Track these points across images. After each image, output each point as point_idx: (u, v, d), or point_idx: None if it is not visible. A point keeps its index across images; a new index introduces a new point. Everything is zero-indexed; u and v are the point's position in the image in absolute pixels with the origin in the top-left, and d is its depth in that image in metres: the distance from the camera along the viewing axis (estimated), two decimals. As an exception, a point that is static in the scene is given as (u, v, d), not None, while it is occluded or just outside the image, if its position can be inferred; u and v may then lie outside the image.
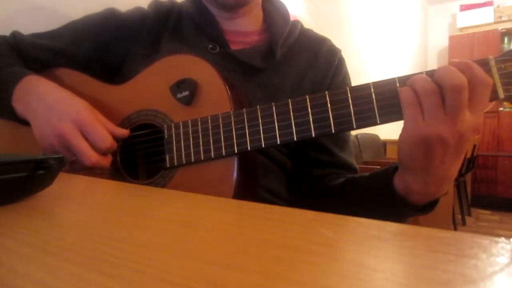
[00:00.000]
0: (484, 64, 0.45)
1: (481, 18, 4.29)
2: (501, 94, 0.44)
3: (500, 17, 4.20)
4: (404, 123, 0.45)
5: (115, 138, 0.56)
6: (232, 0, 0.65)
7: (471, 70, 0.42)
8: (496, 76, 0.45)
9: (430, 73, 0.45)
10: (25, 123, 0.57)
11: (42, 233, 0.23)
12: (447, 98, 0.41)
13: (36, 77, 0.59)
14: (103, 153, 0.54)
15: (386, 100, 0.47)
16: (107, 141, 0.53)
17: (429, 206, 0.50)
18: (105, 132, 0.54)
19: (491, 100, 0.44)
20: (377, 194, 0.54)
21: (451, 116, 0.42)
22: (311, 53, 0.70)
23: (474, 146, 3.36)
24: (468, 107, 0.42)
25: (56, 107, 0.54)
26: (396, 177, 0.51)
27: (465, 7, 4.44)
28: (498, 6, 4.25)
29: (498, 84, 0.44)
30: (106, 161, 0.54)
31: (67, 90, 0.58)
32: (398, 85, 0.46)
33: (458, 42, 4.38)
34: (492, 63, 0.45)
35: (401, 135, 0.46)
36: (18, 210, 0.29)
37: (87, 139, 0.53)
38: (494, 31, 4.19)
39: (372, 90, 0.47)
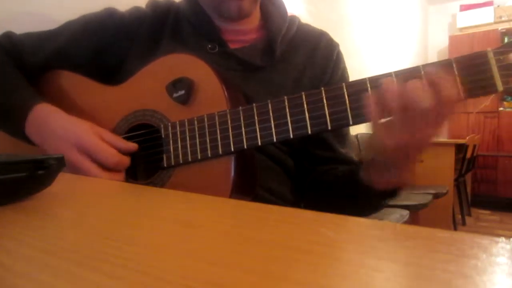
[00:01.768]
0: (482, 56, 0.44)
1: (481, 18, 4.29)
2: (500, 87, 0.44)
3: (500, 17, 4.19)
4: (372, 133, 0.48)
5: (125, 152, 0.57)
6: (235, 13, 0.64)
7: (440, 85, 0.43)
8: (495, 68, 0.44)
9: (401, 78, 0.45)
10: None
11: (42, 233, 0.23)
12: (411, 114, 0.43)
13: (44, 107, 0.60)
14: (113, 168, 0.55)
15: None
16: (113, 158, 0.54)
17: (394, 192, 0.55)
18: (110, 150, 0.55)
19: (489, 93, 0.44)
20: (350, 187, 0.59)
21: (416, 130, 0.44)
22: (309, 48, 0.70)
23: (474, 146, 3.36)
24: (432, 122, 0.44)
25: (62, 138, 0.56)
26: (361, 172, 0.56)
27: (465, 7, 4.44)
28: (498, 6, 4.25)
29: (497, 77, 0.44)
30: (118, 177, 0.55)
31: (72, 117, 0.59)
32: (394, 79, 0.46)
33: (458, 42, 4.38)
34: (491, 55, 0.44)
35: (369, 140, 0.50)
36: (18, 210, 0.29)
37: (94, 160, 0.54)
38: (494, 31, 4.19)
39: (368, 85, 0.47)
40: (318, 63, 0.69)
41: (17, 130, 0.59)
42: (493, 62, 0.44)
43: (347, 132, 0.72)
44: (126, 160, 0.56)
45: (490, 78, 0.44)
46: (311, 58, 0.69)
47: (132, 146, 0.58)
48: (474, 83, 0.45)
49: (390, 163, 0.49)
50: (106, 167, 0.54)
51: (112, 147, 0.55)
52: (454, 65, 0.45)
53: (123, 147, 0.57)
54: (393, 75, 0.47)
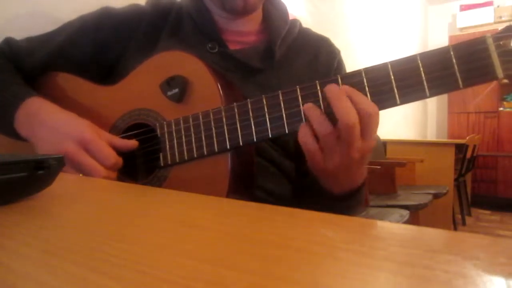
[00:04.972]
0: (481, 43, 0.43)
1: (481, 18, 4.29)
2: (500, 74, 0.42)
3: (500, 17, 4.19)
4: (307, 159, 0.50)
5: (124, 151, 0.56)
6: (240, 7, 0.63)
7: (357, 103, 0.45)
8: (494, 54, 0.42)
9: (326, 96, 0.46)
10: (27, 140, 0.59)
11: (42, 233, 0.23)
12: (342, 134, 0.46)
13: (36, 100, 0.59)
14: (109, 168, 0.54)
15: (378, 86, 0.46)
16: (111, 158, 0.54)
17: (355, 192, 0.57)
18: (109, 150, 0.55)
19: (489, 80, 0.43)
20: (316, 194, 0.59)
21: (346, 147, 0.46)
22: (310, 53, 0.70)
23: (474, 146, 3.36)
24: (360, 136, 0.46)
25: (59, 129, 0.55)
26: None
27: (465, 7, 4.44)
28: (498, 6, 4.25)
29: (497, 63, 0.42)
30: (112, 175, 0.55)
31: (68, 111, 0.58)
32: (391, 70, 0.46)
33: (458, 42, 4.37)
34: (490, 41, 0.43)
35: (309, 165, 0.52)
36: (18, 210, 0.29)
37: (92, 157, 0.54)
38: (494, 31, 4.17)
39: (364, 76, 0.47)
40: (319, 69, 0.69)
41: (7, 122, 0.59)
42: (492, 48, 0.43)
43: None
44: (121, 161, 0.56)
45: (489, 65, 0.42)
46: (312, 64, 0.69)
47: (132, 143, 0.58)
48: (473, 71, 0.43)
49: (337, 176, 0.52)
50: (102, 165, 0.54)
51: (109, 146, 0.55)
52: (452, 53, 0.44)
53: (121, 146, 0.57)
54: (389, 65, 0.46)
